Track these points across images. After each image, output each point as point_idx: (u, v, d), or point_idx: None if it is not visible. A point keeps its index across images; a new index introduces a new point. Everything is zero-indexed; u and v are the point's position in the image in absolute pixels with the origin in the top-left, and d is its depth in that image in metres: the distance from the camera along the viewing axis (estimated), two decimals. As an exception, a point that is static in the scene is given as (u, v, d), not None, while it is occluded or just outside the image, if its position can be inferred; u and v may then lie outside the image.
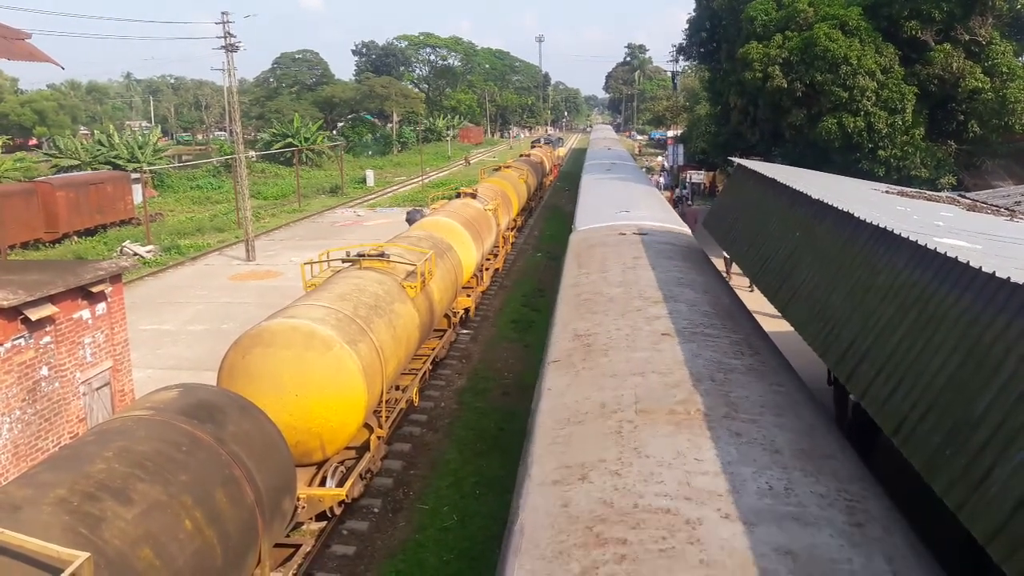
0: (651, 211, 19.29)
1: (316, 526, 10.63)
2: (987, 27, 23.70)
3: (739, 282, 20.74)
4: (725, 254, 19.93)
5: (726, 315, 9.32)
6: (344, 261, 13.76)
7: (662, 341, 7.80)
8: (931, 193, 17.06)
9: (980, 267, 5.28)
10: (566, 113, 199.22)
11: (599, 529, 4.54)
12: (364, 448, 11.34)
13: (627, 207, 19.13)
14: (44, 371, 10.24)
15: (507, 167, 37.18)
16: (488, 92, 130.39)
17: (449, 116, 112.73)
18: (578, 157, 74.61)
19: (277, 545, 8.93)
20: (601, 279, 11.14)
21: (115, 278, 11.78)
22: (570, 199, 36.22)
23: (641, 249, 13.07)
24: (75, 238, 34.10)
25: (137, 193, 40.14)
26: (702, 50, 35.49)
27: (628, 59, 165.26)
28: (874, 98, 23.47)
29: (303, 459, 10.10)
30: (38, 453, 10.02)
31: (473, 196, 23.81)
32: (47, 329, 10.29)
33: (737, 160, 17.01)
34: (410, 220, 27.70)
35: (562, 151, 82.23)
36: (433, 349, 16.03)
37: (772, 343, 8.79)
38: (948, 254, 5.78)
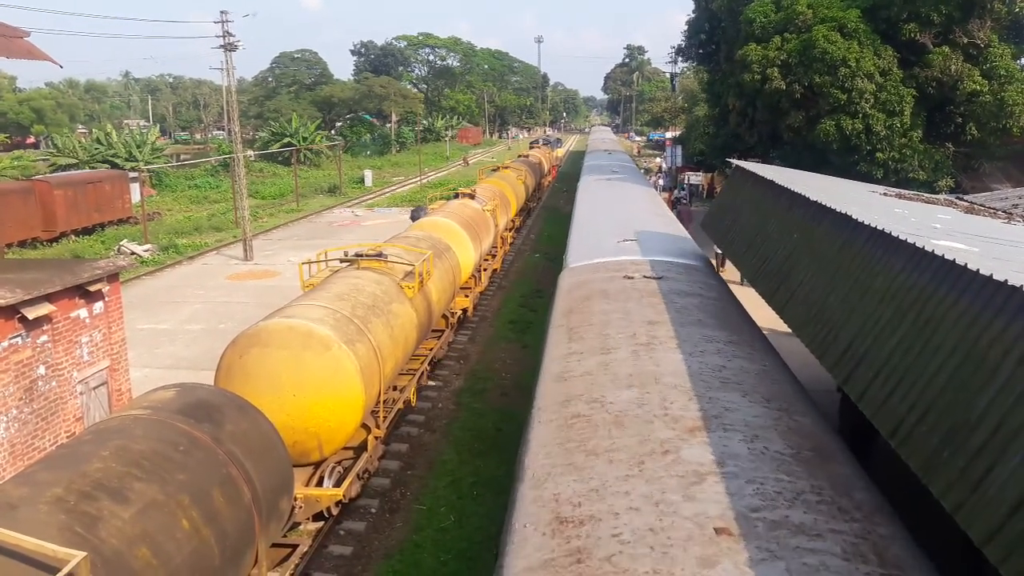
0: (664, 237, 15.58)
1: (313, 526, 10.62)
2: (985, 30, 23.73)
3: (731, 276, 20.57)
4: (717, 249, 19.90)
5: (817, 459, 5.55)
6: (342, 261, 13.76)
7: (718, 554, 4.17)
8: (929, 195, 17.08)
9: (978, 269, 5.29)
10: (564, 114, 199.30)
11: None
12: (362, 448, 11.34)
13: (633, 231, 15.43)
14: (41, 370, 10.22)
15: (505, 168, 37.20)
16: (487, 93, 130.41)
17: (448, 116, 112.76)
18: (576, 160, 74.62)
19: (274, 545, 8.93)
20: (601, 368, 7.35)
21: (112, 277, 11.76)
22: (568, 200, 36.21)
23: (659, 305, 9.49)
24: (73, 237, 34.05)
25: (135, 192, 40.11)
26: (701, 51, 35.51)
27: (627, 60, 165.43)
28: (872, 100, 23.49)
29: (300, 459, 10.09)
30: (35, 452, 10.00)
31: (471, 197, 23.81)
32: (44, 328, 10.27)
33: (735, 162, 17.01)
34: (414, 218, 27.71)
35: (560, 152, 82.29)
36: (431, 349, 16.02)
37: (905, 534, 4.85)
38: (946, 256, 5.79)
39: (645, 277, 11.03)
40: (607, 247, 13.85)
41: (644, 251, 13.14)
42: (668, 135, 68.67)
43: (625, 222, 17.00)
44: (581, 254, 13.89)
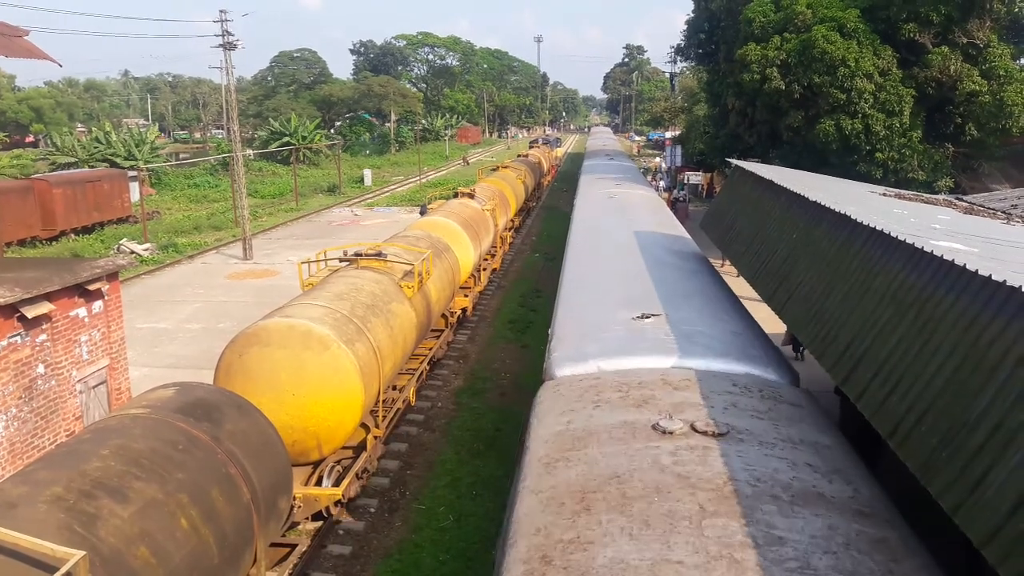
0: (705, 304, 10.13)
1: (312, 526, 10.62)
2: (985, 30, 23.76)
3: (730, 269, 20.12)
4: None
5: None
6: (341, 260, 13.75)
7: None
8: (928, 196, 17.10)
9: (977, 270, 5.29)
10: (564, 113, 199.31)
11: None
12: (361, 448, 11.33)
13: (652, 291, 10.40)
14: (40, 369, 10.21)
15: (505, 167, 37.19)
16: (486, 92, 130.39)
17: (447, 116, 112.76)
18: (574, 160, 74.54)
19: (273, 544, 8.93)
20: None
21: (112, 276, 11.75)
22: (568, 201, 35.98)
23: (745, 552, 4.27)
24: (72, 236, 34.04)
25: (134, 191, 40.10)
26: (700, 51, 35.55)
27: (626, 60, 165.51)
28: (872, 100, 23.52)
29: (299, 458, 10.09)
30: (34, 451, 10.00)
31: (471, 196, 23.81)
32: (43, 327, 10.26)
33: (735, 161, 17.02)
34: (424, 213, 27.55)
35: (560, 152, 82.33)
36: (430, 349, 16.02)
37: None
38: (945, 257, 5.79)
39: (693, 429, 5.74)
40: (615, 332, 8.65)
41: (680, 343, 8.07)
42: (668, 135, 68.69)
43: (639, 270, 11.88)
44: (574, 347, 8.45)
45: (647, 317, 8.98)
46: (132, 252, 30.06)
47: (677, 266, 12.76)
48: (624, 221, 17.76)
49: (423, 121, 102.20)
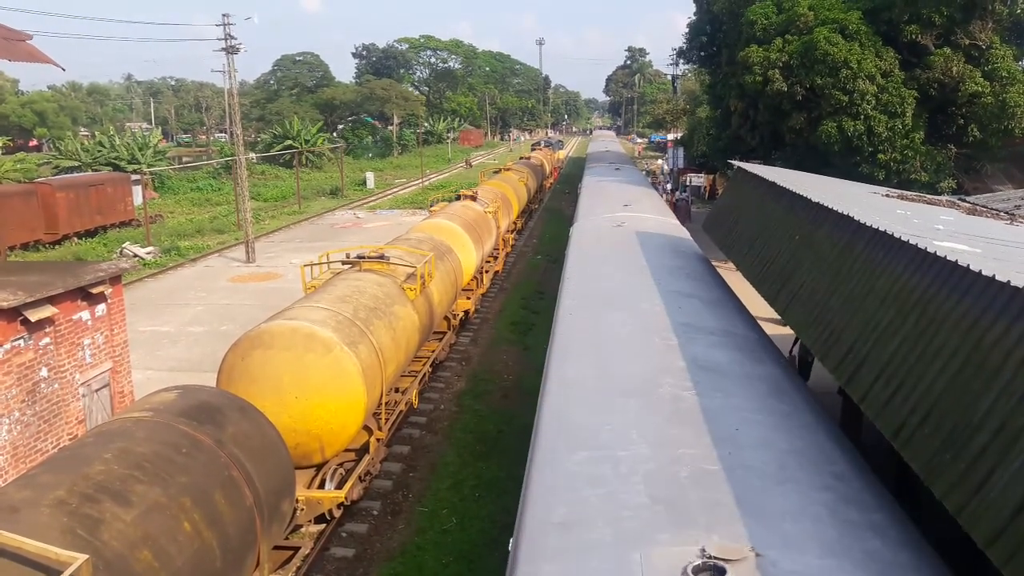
0: (816, 500, 4.97)
1: (315, 528, 10.62)
2: (987, 31, 23.74)
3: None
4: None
5: None
6: (344, 263, 13.76)
7: None
8: (931, 197, 17.07)
9: (980, 271, 5.28)
10: (566, 116, 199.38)
11: None
12: (363, 450, 11.34)
13: (716, 473, 5.15)
14: (43, 372, 10.22)
15: (507, 170, 37.22)
16: (488, 95, 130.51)
17: (449, 119, 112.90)
18: (577, 163, 74.47)
19: (276, 547, 8.93)
20: None
21: (115, 279, 11.77)
22: (570, 202, 35.84)
23: None
24: (75, 239, 34.09)
25: (137, 195, 40.15)
26: (702, 54, 35.53)
27: (628, 62, 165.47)
28: (874, 102, 23.50)
29: (302, 461, 10.09)
30: (37, 455, 10.00)
31: (473, 198, 23.82)
32: (47, 330, 10.28)
33: (737, 163, 17.01)
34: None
35: (561, 154, 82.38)
36: (433, 351, 16.02)
37: None
38: (948, 258, 5.78)
39: None
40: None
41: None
42: (670, 137, 68.68)
43: (680, 393, 6.78)
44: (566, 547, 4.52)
45: (717, 563, 4.05)
46: (135, 255, 30.09)
47: (747, 376, 7.44)
48: (643, 269, 12.22)
49: (425, 124, 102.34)
